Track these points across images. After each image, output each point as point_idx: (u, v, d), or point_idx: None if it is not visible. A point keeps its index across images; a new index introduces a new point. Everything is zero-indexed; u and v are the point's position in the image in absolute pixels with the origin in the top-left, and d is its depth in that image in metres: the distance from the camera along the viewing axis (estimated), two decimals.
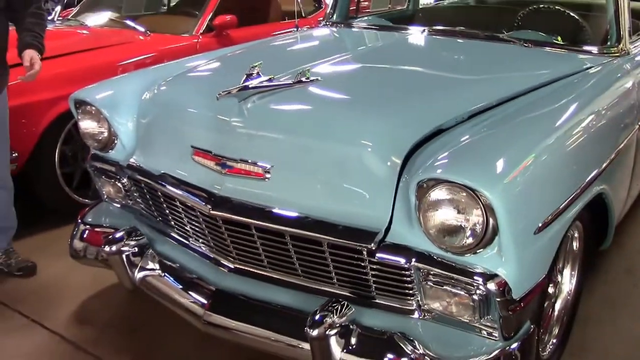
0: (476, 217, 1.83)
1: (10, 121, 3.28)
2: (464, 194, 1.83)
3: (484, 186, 1.79)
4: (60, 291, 3.11)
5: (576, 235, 2.60)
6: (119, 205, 2.86)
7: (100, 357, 2.63)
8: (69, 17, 5.39)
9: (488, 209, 1.80)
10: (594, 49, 3.07)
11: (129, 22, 4.81)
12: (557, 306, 2.66)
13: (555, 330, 2.63)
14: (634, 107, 2.91)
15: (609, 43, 3.08)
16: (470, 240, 1.85)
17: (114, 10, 5.46)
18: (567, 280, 2.70)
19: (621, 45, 3.04)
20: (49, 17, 5.61)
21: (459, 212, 1.85)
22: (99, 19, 5.16)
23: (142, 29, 4.63)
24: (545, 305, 2.50)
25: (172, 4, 6.12)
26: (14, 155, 3.44)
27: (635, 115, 2.92)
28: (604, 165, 2.48)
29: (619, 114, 2.74)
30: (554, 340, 2.60)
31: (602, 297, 3.16)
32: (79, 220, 2.88)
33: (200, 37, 4.69)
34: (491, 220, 1.82)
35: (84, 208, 3.02)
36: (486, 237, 1.84)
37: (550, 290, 2.48)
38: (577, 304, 2.75)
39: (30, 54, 3.10)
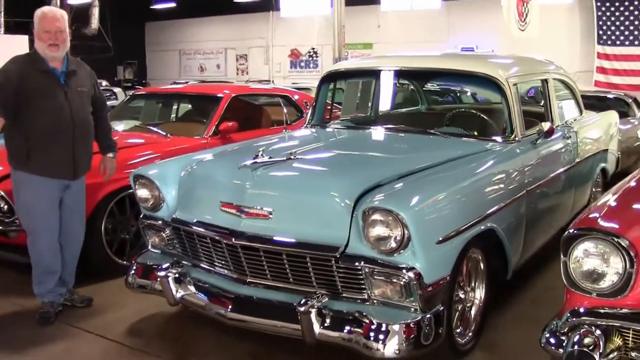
0: (398, 230, 3.05)
1: None
2: (390, 217, 3.06)
3: (401, 210, 3.03)
4: (113, 317, 4.18)
5: (480, 258, 3.79)
6: (159, 252, 4.03)
7: (151, 352, 3.71)
8: None
9: (404, 225, 3.03)
10: (497, 138, 4.40)
11: (152, 128, 6.12)
12: (473, 311, 3.81)
13: (472, 327, 3.78)
14: (522, 177, 4.18)
15: (506, 134, 4.42)
16: (393, 245, 3.06)
17: (133, 119, 6.82)
18: (479, 294, 3.86)
19: (513, 135, 4.37)
20: None
21: (387, 227, 3.07)
22: (124, 125, 6.47)
23: (163, 133, 5.91)
24: (461, 308, 3.67)
25: (179, 114, 7.49)
26: None
27: (523, 183, 4.19)
28: (494, 209, 3.71)
29: (508, 179, 4.01)
30: (471, 334, 3.75)
31: (511, 315, 4.31)
32: (133, 262, 4.03)
33: (209, 138, 5.96)
34: (406, 232, 3.03)
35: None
36: (403, 243, 3.05)
37: (462, 295, 3.65)
38: (486, 310, 3.89)
39: (109, 163, 4.44)
